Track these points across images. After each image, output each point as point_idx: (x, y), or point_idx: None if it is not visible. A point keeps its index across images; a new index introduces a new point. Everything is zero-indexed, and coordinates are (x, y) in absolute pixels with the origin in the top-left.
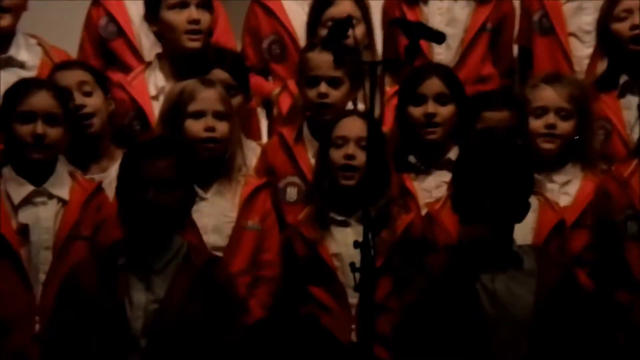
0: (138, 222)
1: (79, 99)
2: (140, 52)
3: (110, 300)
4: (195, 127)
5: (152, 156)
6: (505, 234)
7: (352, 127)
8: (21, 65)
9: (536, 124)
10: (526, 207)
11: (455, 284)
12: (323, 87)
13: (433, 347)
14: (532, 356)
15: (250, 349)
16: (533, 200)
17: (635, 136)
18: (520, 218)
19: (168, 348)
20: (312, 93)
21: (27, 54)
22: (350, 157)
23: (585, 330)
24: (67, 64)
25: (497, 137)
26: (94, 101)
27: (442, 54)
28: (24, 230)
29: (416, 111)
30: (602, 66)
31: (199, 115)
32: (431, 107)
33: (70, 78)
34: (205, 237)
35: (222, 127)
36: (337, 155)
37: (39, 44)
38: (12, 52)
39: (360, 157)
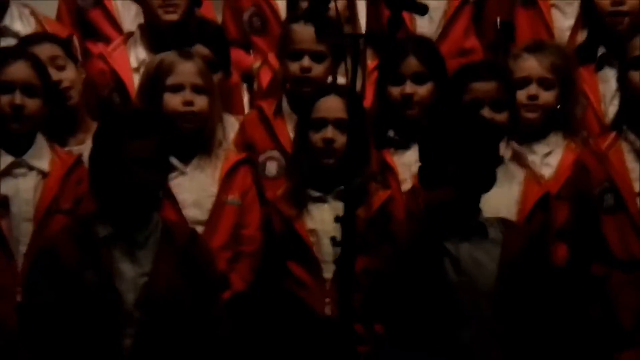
0: (117, 198)
1: (54, 74)
2: (119, 23)
3: (97, 273)
4: (173, 101)
5: (133, 134)
6: (470, 202)
7: (331, 108)
8: (15, 35)
9: (519, 94)
10: (492, 178)
11: (420, 250)
12: (306, 61)
13: (400, 314)
14: (496, 325)
15: (231, 321)
16: (519, 173)
17: (613, 109)
18: (486, 188)
19: (161, 320)
20: (294, 67)
21: (20, 24)
22: (330, 140)
23: (550, 300)
24: (34, 38)
25: (464, 108)
26: (68, 74)
27: (425, 26)
28: (4, 202)
29: (395, 91)
30: (582, 38)
31: (177, 88)
32: (409, 87)
33: (41, 53)
34: (185, 212)
35: (200, 102)
36: (316, 138)
37: (32, 14)
38: (7, 22)
39: (340, 140)
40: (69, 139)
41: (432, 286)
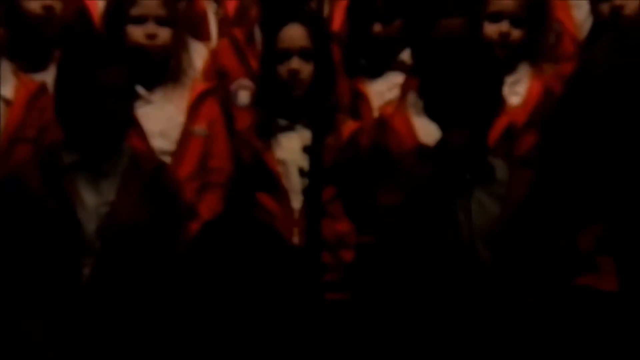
0: (85, 127)
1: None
2: None
3: (60, 201)
4: (136, 33)
5: (102, 62)
6: (482, 142)
7: (294, 37)
8: None
9: (490, 29)
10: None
11: (440, 191)
12: None
13: (410, 250)
14: (494, 268)
15: (199, 250)
16: None
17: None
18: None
19: (121, 251)
20: None
21: None
22: (295, 71)
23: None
24: None
25: (453, 40)
26: (60, 5)
27: None
28: None
29: (375, 26)
30: None
31: (140, 20)
32: (377, 27)
33: None
34: (152, 142)
35: (164, 34)
36: (282, 69)
37: None
38: None
39: (305, 70)
40: (32, 67)
41: (444, 227)
